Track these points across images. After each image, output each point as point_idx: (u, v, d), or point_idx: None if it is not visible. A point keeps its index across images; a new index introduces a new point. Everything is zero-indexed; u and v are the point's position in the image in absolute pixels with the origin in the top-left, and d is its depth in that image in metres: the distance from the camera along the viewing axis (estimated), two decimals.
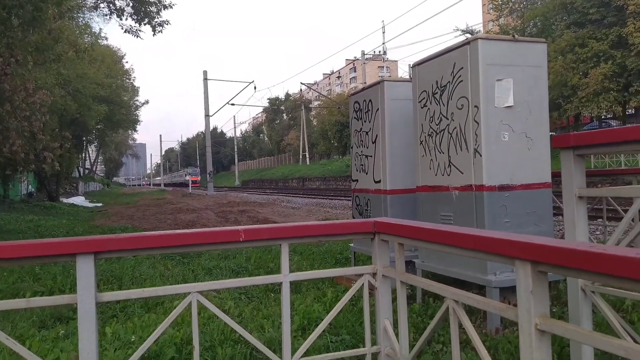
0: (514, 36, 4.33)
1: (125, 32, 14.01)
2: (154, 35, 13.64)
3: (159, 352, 3.52)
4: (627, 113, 33.28)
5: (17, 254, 1.65)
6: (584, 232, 2.19)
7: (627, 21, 27.14)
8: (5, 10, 10.00)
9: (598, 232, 7.91)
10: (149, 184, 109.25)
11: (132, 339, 3.85)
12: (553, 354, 3.22)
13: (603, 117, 35.31)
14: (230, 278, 5.60)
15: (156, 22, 13.45)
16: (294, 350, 2.02)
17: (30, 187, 33.50)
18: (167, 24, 13.66)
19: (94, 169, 70.50)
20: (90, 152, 62.56)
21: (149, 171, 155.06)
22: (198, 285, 1.90)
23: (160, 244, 1.83)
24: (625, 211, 2.88)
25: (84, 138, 42.35)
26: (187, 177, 71.37)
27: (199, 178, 63.20)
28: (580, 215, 2.18)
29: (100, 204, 31.36)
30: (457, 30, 37.29)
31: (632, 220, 3.11)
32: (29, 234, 12.50)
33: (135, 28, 13.87)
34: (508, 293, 4.00)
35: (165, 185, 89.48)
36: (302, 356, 2.03)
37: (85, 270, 1.69)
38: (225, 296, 5.19)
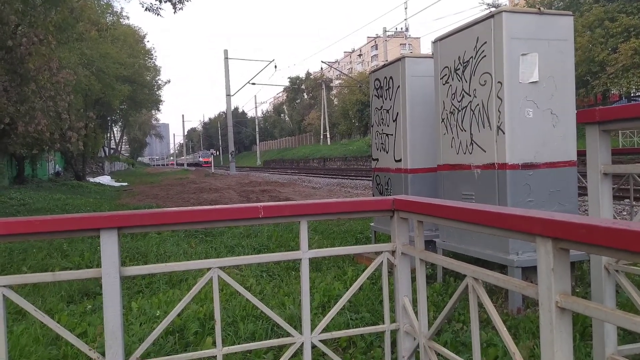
0: (539, 9, 4.19)
1: (146, 10, 13.99)
2: (174, 12, 13.62)
3: (183, 327, 3.61)
4: None
5: (45, 228, 1.69)
6: (608, 210, 2.14)
7: None
8: None
9: (625, 213, 7.74)
10: (174, 164, 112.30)
11: (157, 314, 3.96)
12: (575, 334, 3.19)
13: (632, 94, 34.25)
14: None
15: None
16: (313, 326, 2.05)
17: (57, 166, 34.29)
18: (188, 1, 13.63)
19: (119, 149, 71.91)
20: (115, 132, 63.67)
21: (172, 151, 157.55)
22: (219, 261, 1.93)
23: (182, 220, 1.85)
24: None
25: (109, 118, 43.06)
26: (200, 159, 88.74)
27: (210, 159, 71.10)
28: (605, 192, 2.14)
29: (125, 183, 31.95)
30: (482, 4, 36.47)
31: None
32: (57, 212, 12.80)
33: (156, 6, 13.85)
34: (530, 273, 3.96)
35: (187, 165, 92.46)
36: (321, 332, 2.06)
37: (109, 244, 1.73)
38: (247, 274, 5.27)
